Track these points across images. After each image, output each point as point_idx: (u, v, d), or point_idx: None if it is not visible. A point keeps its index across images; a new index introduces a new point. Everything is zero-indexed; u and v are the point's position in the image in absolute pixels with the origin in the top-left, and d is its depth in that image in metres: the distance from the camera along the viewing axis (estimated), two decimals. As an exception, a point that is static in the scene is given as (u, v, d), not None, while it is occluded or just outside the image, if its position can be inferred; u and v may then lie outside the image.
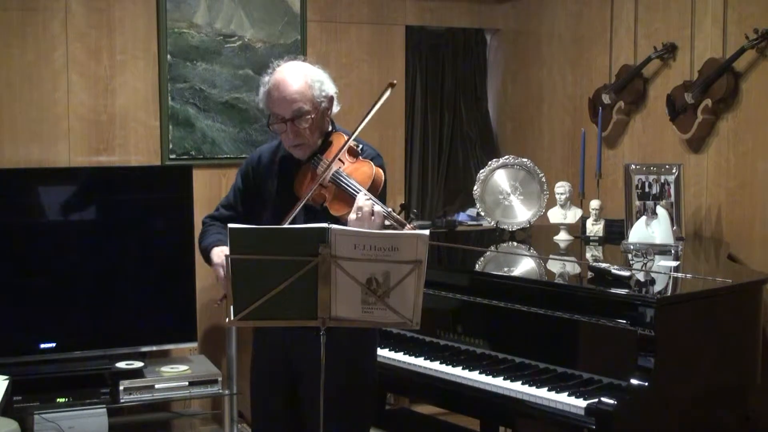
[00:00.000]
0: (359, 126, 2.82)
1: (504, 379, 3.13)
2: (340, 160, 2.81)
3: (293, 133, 2.79)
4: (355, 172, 2.80)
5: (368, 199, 2.67)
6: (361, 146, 2.89)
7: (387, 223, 2.64)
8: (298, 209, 2.73)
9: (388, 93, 2.80)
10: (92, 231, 4.48)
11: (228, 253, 2.49)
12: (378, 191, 2.79)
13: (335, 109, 2.90)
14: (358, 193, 2.71)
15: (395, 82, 2.81)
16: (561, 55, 5.16)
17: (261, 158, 2.99)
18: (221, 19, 4.85)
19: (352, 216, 2.66)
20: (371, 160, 2.87)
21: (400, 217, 2.66)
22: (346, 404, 2.88)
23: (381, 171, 2.83)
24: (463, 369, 3.25)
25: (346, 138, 2.87)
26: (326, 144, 2.88)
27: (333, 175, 2.78)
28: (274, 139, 3.06)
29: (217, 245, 2.86)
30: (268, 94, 2.81)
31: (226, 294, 2.59)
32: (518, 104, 5.53)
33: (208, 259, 2.89)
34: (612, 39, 4.76)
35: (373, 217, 2.63)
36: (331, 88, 2.86)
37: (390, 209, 2.67)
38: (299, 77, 2.80)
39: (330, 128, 2.92)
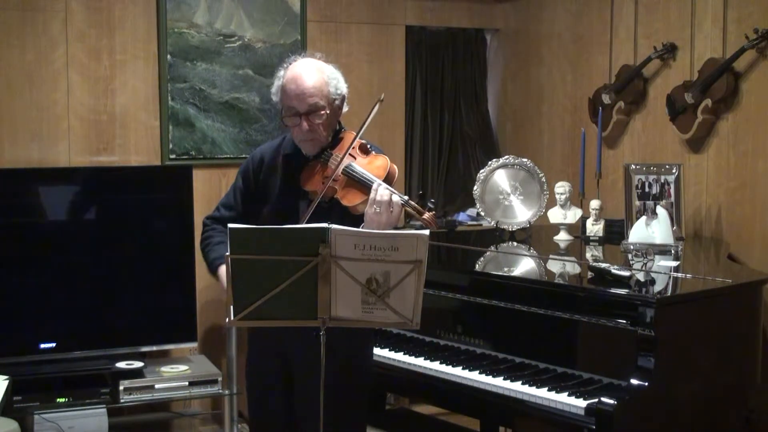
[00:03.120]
0: (364, 123, 2.83)
1: (504, 379, 3.12)
2: (351, 155, 2.83)
3: (308, 126, 2.80)
4: (369, 165, 2.83)
5: (385, 189, 2.68)
6: (369, 145, 2.92)
7: (407, 209, 2.67)
8: (314, 206, 2.73)
9: (377, 108, 2.82)
10: (92, 231, 4.48)
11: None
12: (392, 183, 2.81)
13: (345, 109, 2.93)
14: (372, 183, 2.73)
15: (383, 97, 2.84)
16: (561, 55, 5.16)
17: (263, 157, 3.00)
18: (221, 19, 4.85)
19: (370, 210, 2.67)
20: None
21: (418, 206, 2.67)
22: (342, 403, 2.88)
23: (394, 165, 2.85)
24: (463, 369, 3.25)
25: (355, 135, 2.89)
26: (336, 141, 2.91)
27: (346, 168, 2.80)
28: (274, 138, 3.07)
29: (223, 262, 2.86)
30: (283, 87, 2.84)
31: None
32: (518, 104, 5.53)
33: (213, 271, 2.93)
34: (612, 39, 4.76)
35: (391, 208, 2.65)
36: (344, 87, 2.90)
37: (407, 198, 2.68)
38: (316, 73, 2.83)
39: (338, 127, 2.94)
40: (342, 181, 2.80)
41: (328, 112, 2.83)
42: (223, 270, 2.82)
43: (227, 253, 2.45)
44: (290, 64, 2.88)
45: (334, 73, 2.88)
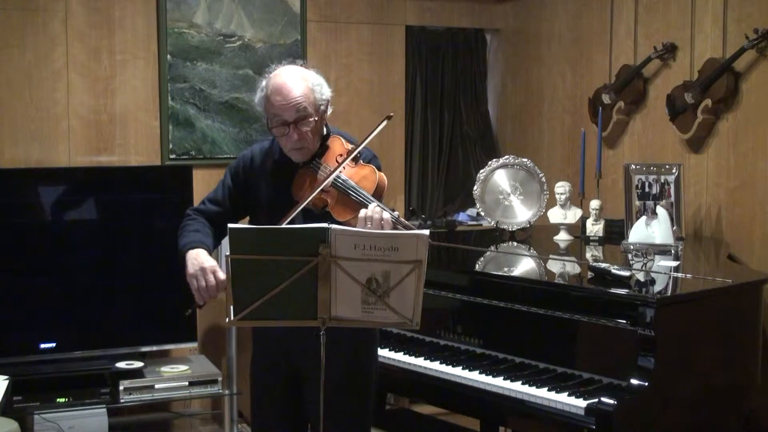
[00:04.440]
0: (360, 146, 2.82)
1: (504, 379, 3.12)
2: (339, 164, 2.81)
3: (297, 135, 2.79)
4: (358, 177, 2.80)
5: (376, 207, 2.67)
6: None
7: (398, 226, 2.65)
8: (295, 213, 2.73)
9: (384, 124, 2.80)
10: (92, 231, 4.48)
11: (202, 265, 2.64)
12: (382, 196, 2.80)
13: (328, 111, 2.90)
14: (364, 200, 2.72)
15: (392, 114, 2.83)
16: (561, 55, 5.16)
17: (253, 159, 2.97)
18: (221, 19, 4.85)
19: (360, 226, 2.65)
20: (369, 162, 2.88)
21: (409, 223, 2.67)
22: (347, 403, 2.88)
23: (383, 176, 2.84)
24: (463, 369, 3.25)
25: (342, 141, 2.88)
26: (324, 147, 2.89)
27: (335, 180, 2.78)
28: (263, 141, 3.06)
29: (193, 247, 2.80)
30: (267, 99, 2.80)
31: (197, 304, 2.65)
32: (518, 104, 5.53)
33: (182, 257, 2.82)
34: (612, 39, 4.76)
35: (382, 224, 2.64)
36: (328, 92, 2.87)
37: (398, 214, 2.67)
38: (301, 81, 2.80)
39: (325, 131, 2.93)
40: (333, 195, 2.79)
41: (316, 118, 2.81)
42: (190, 258, 2.78)
43: (227, 253, 2.45)
44: (271, 74, 2.84)
45: (317, 79, 2.85)
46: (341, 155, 2.84)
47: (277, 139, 2.86)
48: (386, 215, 2.65)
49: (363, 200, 2.73)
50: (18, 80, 4.50)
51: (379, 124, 2.80)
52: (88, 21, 4.61)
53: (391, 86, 5.33)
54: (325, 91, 2.85)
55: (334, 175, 2.77)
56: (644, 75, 4.54)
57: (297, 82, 2.79)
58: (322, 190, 2.76)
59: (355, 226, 2.68)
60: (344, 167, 2.81)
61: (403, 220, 2.67)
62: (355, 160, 2.86)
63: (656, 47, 4.42)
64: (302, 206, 2.74)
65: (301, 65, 2.89)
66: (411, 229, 2.64)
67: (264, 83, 2.84)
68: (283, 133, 2.80)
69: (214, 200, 2.99)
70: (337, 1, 5.17)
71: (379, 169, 2.86)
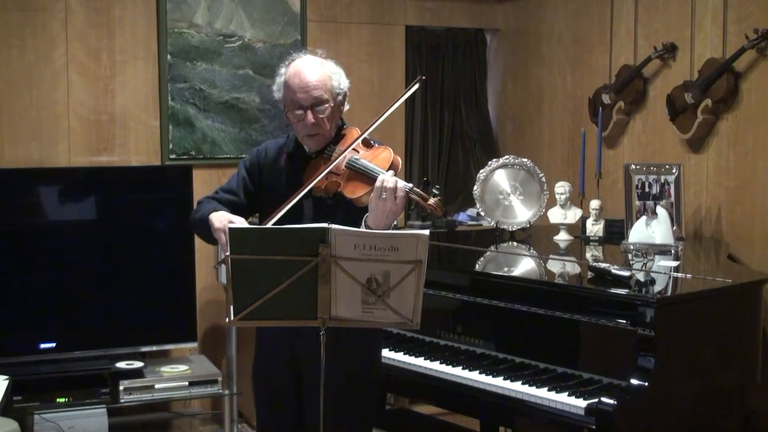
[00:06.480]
0: (381, 116, 2.83)
1: (504, 379, 3.12)
2: (354, 149, 2.83)
3: (312, 119, 2.81)
4: (372, 157, 2.82)
5: (391, 176, 2.68)
6: (372, 140, 2.92)
7: (412, 196, 2.66)
8: (303, 192, 2.74)
9: (415, 87, 2.84)
10: (92, 231, 4.48)
11: (230, 219, 2.63)
12: (395, 174, 2.80)
13: (345, 107, 2.93)
14: (377, 174, 2.72)
15: (424, 77, 2.87)
16: (561, 55, 5.16)
17: (267, 152, 3.01)
18: (221, 19, 4.85)
19: (376, 197, 2.66)
20: None
21: (423, 192, 2.67)
22: (348, 404, 2.88)
23: (398, 156, 2.85)
24: (463, 369, 3.25)
25: (358, 132, 2.90)
26: (339, 137, 2.91)
27: (349, 161, 2.79)
28: (277, 138, 3.08)
29: (216, 211, 2.82)
30: (286, 83, 2.85)
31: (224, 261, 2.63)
32: (518, 104, 5.53)
33: (207, 227, 2.80)
34: (612, 39, 4.76)
35: (396, 195, 2.64)
36: (346, 83, 2.92)
37: (411, 185, 2.68)
38: (319, 67, 2.86)
39: (341, 123, 2.95)
40: (345, 175, 2.79)
41: (332, 105, 2.84)
42: (215, 216, 2.78)
43: (227, 253, 2.45)
44: (292, 60, 2.90)
45: (336, 69, 2.91)
46: (357, 142, 2.85)
47: (293, 125, 2.89)
48: (401, 183, 2.66)
49: (376, 175, 2.72)
50: (18, 80, 4.50)
51: (410, 87, 2.83)
52: (88, 21, 4.60)
53: (391, 86, 5.33)
54: (342, 81, 2.90)
55: (347, 153, 2.79)
56: (644, 75, 4.54)
57: (315, 67, 2.85)
58: (333, 173, 2.77)
59: (367, 202, 2.68)
60: (359, 152, 2.83)
61: (417, 189, 2.67)
62: (369, 145, 2.88)
63: (656, 47, 4.42)
64: (311, 185, 2.74)
65: (320, 55, 2.93)
66: (426, 198, 2.67)
67: (283, 70, 2.89)
68: (299, 117, 2.83)
69: (227, 190, 3.00)
70: (337, 1, 5.17)
71: None
